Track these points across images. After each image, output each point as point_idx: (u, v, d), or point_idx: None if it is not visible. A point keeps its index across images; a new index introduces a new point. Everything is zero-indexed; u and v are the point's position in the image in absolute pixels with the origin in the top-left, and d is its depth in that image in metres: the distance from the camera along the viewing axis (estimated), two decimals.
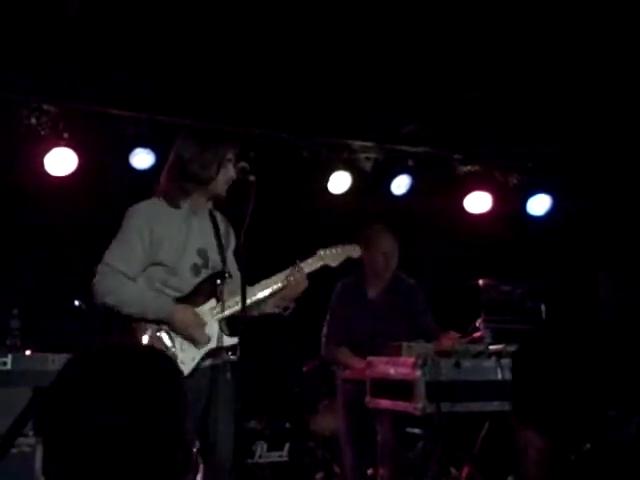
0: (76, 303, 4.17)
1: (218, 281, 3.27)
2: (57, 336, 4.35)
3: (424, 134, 6.47)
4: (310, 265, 3.47)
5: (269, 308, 3.44)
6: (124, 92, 5.43)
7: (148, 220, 3.21)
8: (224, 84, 5.36)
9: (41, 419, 1.36)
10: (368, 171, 6.58)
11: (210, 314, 3.23)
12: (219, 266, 3.29)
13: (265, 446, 5.69)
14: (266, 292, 3.35)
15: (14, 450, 3.87)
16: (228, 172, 3.30)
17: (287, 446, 5.86)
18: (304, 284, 3.40)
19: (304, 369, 6.12)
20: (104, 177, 5.80)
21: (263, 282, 3.37)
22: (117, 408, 1.33)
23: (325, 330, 4.82)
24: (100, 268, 3.17)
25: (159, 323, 3.14)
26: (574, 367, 1.43)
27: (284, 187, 5.97)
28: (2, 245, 5.57)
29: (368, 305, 4.79)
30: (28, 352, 3.81)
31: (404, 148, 6.61)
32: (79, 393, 1.35)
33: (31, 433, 4.16)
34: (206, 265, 3.28)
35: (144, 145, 5.71)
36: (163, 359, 1.47)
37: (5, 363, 3.42)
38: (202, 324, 3.19)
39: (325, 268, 3.54)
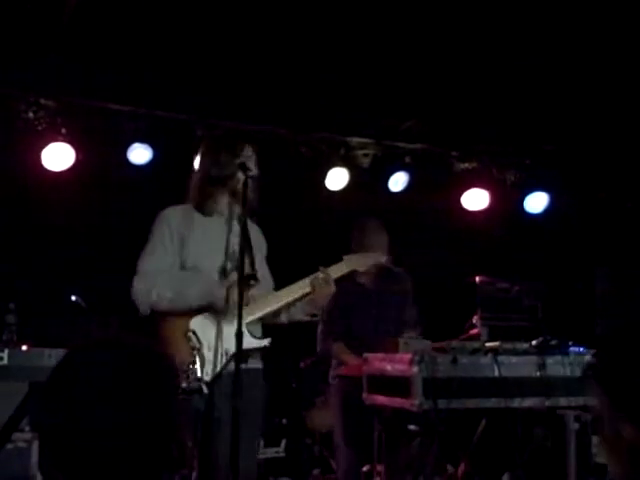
0: (73, 298, 4.17)
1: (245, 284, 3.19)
2: (54, 331, 4.36)
3: (422, 131, 6.47)
4: (337, 271, 3.41)
5: (298, 314, 3.42)
6: (122, 87, 5.42)
7: (172, 224, 3.26)
8: (222, 80, 5.35)
9: (37, 415, 1.36)
10: (366, 167, 6.58)
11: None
12: (248, 270, 3.23)
13: (262, 442, 5.70)
14: (290, 298, 3.31)
15: (10, 445, 3.87)
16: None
17: (284, 442, 5.87)
18: (331, 289, 3.32)
19: (301, 365, 6.13)
20: (102, 172, 5.79)
21: (288, 288, 3.35)
22: (112, 404, 1.33)
23: (321, 326, 4.82)
24: (135, 279, 3.20)
25: (201, 311, 3.15)
26: None
27: (282, 183, 5.96)
28: None
29: (362, 292, 4.82)
30: (24, 347, 3.80)
31: (402, 145, 6.61)
32: (74, 389, 1.35)
33: (27, 428, 4.17)
34: (236, 268, 3.21)
35: (142, 140, 5.70)
36: (158, 355, 1.47)
37: (2, 358, 3.41)
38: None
39: None
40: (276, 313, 3.37)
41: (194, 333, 3.14)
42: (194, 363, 3.06)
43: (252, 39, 4.93)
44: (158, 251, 3.23)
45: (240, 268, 3.02)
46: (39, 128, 5.43)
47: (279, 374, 6.32)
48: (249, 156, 3.34)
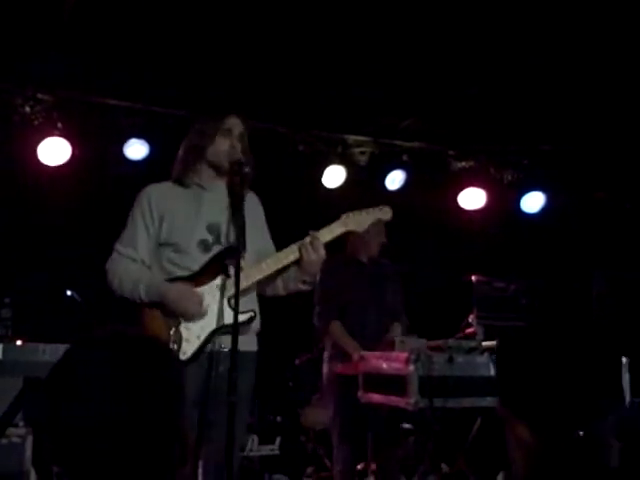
0: (68, 293, 4.16)
1: (229, 257, 3.10)
2: (49, 326, 4.35)
3: (419, 129, 6.46)
4: (331, 231, 3.25)
5: (292, 283, 3.25)
6: (119, 82, 5.41)
7: (150, 200, 3.20)
8: (220, 76, 5.34)
9: (38, 409, 1.35)
10: (363, 165, 6.57)
11: (218, 291, 3.11)
12: (234, 242, 3.11)
13: (256, 439, 5.69)
14: (278, 266, 3.16)
15: (4, 440, 3.86)
16: (227, 142, 3.22)
17: (278, 440, 5.86)
18: (320, 253, 3.14)
19: (296, 362, 6.12)
20: (98, 167, 5.78)
21: (275, 255, 3.21)
22: (114, 400, 1.32)
23: (317, 302, 4.76)
24: (111, 256, 3.19)
25: (154, 307, 3.08)
26: (561, 357, 1.44)
27: (279, 180, 5.95)
28: None
29: (360, 275, 4.81)
30: (19, 342, 3.78)
31: (399, 143, 6.60)
32: (76, 383, 1.33)
33: (21, 424, 4.16)
34: (218, 241, 3.17)
35: (138, 136, 5.68)
36: (162, 349, 1.46)
37: None
38: (198, 300, 3.07)
39: None
40: (268, 283, 3.27)
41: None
42: (173, 342, 3.02)
43: (251, 36, 4.92)
44: (138, 232, 3.18)
45: (237, 260, 2.98)
46: (35, 123, 5.41)
47: (274, 371, 6.32)
48: (234, 124, 3.27)
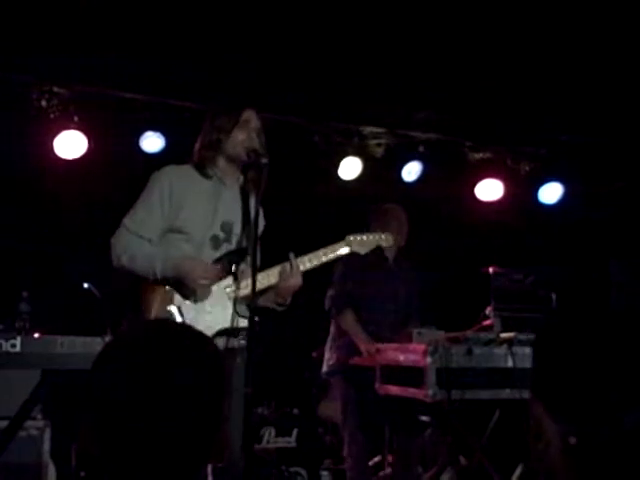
0: (85, 286, 4.17)
1: (238, 259, 3.14)
2: (66, 319, 4.36)
3: (435, 120, 6.43)
4: (333, 250, 3.27)
5: (268, 302, 3.26)
6: (135, 75, 5.40)
7: (171, 182, 3.18)
8: (236, 68, 5.32)
9: (83, 398, 1.35)
10: (379, 157, 6.55)
11: (225, 292, 3.12)
12: (243, 243, 3.16)
13: (273, 431, 5.70)
14: (261, 285, 3.12)
15: (22, 433, 3.88)
16: (245, 133, 3.23)
17: (295, 432, 5.86)
18: (297, 281, 3.15)
19: (313, 355, 6.12)
20: (114, 160, 5.78)
21: (264, 272, 3.18)
22: (158, 388, 1.32)
23: (332, 292, 4.76)
24: (118, 230, 3.18)
25: (168, 284, 3.08)
26: (601, 350, 1.41)
27: (295, 172, 5.94)
28: (12, 228, 5.57)
29: (385, 265, 4.83)
30: (37, 335, 3.79)
31: (415, 134, 6.57)
32: (119, 373, 1.34)
33: (39, 416, 4.18)
34: (228, 240, 3.18)
35: (154, 128, 5.69)
36: (206, 339, 1.46)
37: (14, 345, 3.39)
38: (208, 269, 3.08)
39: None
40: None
41: (179, 309, 3.10)
42: None
43: (266, 27, 4.90)
44: (153, 211, 3.16)
45: (253, 253, 2.98)
46: (52, 116, 5.42)
47: (291, 364, 6.32)
48: (251, 117, 3.27)
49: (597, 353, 1.38)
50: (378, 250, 4.68)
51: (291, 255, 3.15)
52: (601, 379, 1.37)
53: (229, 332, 3.06)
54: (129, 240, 3.15)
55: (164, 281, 3.09)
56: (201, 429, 1.35)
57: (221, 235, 3.18)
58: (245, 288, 3.08)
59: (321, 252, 3.24)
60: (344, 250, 3.30)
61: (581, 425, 1.36)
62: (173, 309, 3.09)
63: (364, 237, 3.38)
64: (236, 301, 3.08)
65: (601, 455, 1.35)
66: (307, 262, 3.21)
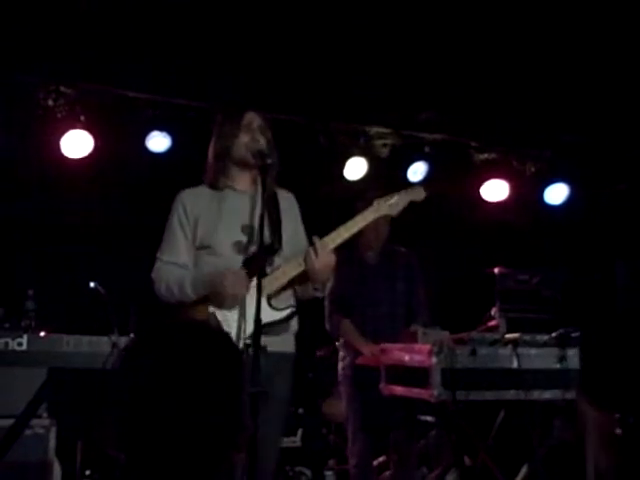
0: (91, 285, 4.18)
1: (264, 258, 3.08)
2: (72, 318, 4.37)
3: (441, 121, 6.42)
4: (364, 218, 3.22)
5: (308, 292, 3.24)
6: (141, 74, 5.41)
7: (184, 204, 3.24)
8: (240, 67, 5.33)
9: (115, 396, 1.37)
10: (384, 157, 6.54)
11: (255, 291, 3.00)
12: (268, 240, 3.12)
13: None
14: (288, 277, 3.15)
15: (28, 431, 3.88)
16: (249, 135, 3.24)
17: (300, 432, 5.87)
18: (325, 260, 3.09)
19: (318, 354, 6.12)
20: (120, 160, 5.79)
21: (289, 263, 3.18)
22: (180, 386, 1.34)
23: (327, 303, 4.77)
24: (155, 265, 3.23)
25: (204, 302, 3.09)
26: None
27: (299, 173, 5.93)
28: (18, 226, 5.59)
29: (366, 270, 4.80)
30: (43, 333, 3.81)
31: (421, 135, 6.56)
32: (143, 371, 1.37)
33: (45, 414, 4.18)
34: (252, 241, 3.16)
35: (161, 128, 5.69)
36: (225, 336, 1.48)
37: (21, 344, 3.42)
38: (241, 278, 3.06)
39: None
40: (296, 285, 3.25)
41: (214, 315, 3.09)
42: None
43: (271, 27, 4.91)
44: (178, 238, 3.22)
45: (260, 253, 2.98)
46: (58, 116, 5.44)
47: (295, 363, 6.31)
48: (253, 118, 3.29)
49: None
50: (355, 255, 4.69)
51: (315, 238, 3.12)
52: None
53: (264, 329, 2.94)
54: (162, 270, 3.21)
55: (203, 300, 3.11)
56: (226, 421, 1.37)
57: (244, 239, 3.18)
58: (273, 282, 3.09)
59: (350, 223, 3.21)
60: (373, 216, 3.25)
61: (625, 416, 1.39)
62: (210, 317, 3.09)
63: (393, 198, 3.31)
64: (269, 298, 3.06)
65: None
66: (337, 238, 3.18)
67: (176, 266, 3.20)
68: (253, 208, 3.22)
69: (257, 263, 3.02)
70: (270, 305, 3.05)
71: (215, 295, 3.07)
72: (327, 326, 4.85)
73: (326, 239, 3.15)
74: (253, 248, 3.14)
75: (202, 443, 1.34)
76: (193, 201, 3.26)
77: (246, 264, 3.13)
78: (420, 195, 3.42)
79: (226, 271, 3.09)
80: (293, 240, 3.30)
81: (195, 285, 3.11)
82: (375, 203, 3.28)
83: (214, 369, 1.38)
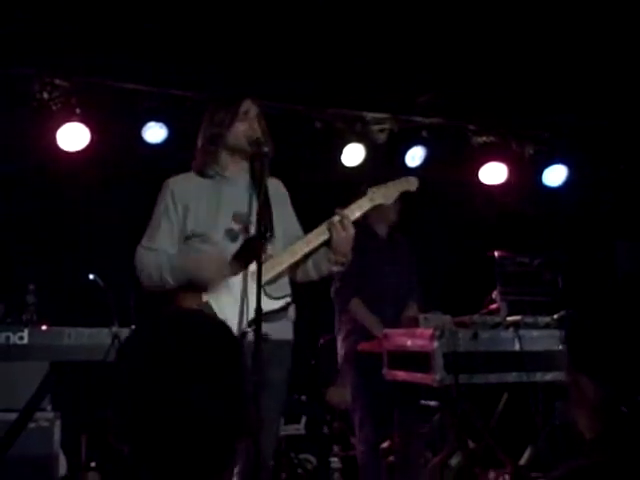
0: (90, 277, 4.17)
1: (258, 244, 3.03)
2: (72, 311, 4.37)
3: (438, 104, 6.40)
4: (360, 207, 3.22)
5: (325, 266, 3.21)
6: (136, 66, 5.39)
7: (172, 191, 3.21)
8: (237, 56, 5.31)
9: (112, 391, 1.37)
10: (382, 143, 6.52)
11: (252, 279, 3.03)
12: (262, 230, 3.08)
13: (282, 419, 5.70)
14: (308, 248, 3.13)
15: (32, 424, 3.90)
16: (246, 124, 3.23)
17: (304, 419, 5.88)
18: (350, 231, 3.09)
19: (321, 341, 6.12)
20: (117, 151, 5.78)
21: (305, 238, 3.17)
22: (184, 376, 1.34)
23: (338, 284, 4.72)
24: (136, 252, 3.20)
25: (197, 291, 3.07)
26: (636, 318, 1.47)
27: (297, 159, 5.92)
28: (16, 220, 5.58)
29: (380, 243, 4.80)
30: (44, 327, 3.81)
31: (418, 119, 6.54)
32: (144, 362, 1.37)
33: (49, 407, 4.20)
34: (246, 229, 3.15)
35: (157, 119, 5.67)
36: (222, 325, 1.48)
37: (22, 337, 3.42)
38: (217, 260, 3.05)
39: None
40: (299, 268, 3.24)
41: (208, 304, 3.07)
42: None
43: (265, 14, 4.88)
44: (161, 224, 3.19)
45: (259, 243, 2.97)
46: (54, 108, 5.41)
47: (298, 351, 6.32)
48: (250, 106, 3.27)
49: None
50: (368, 227, 4.67)
51: (337, 209, 3.11)
52: None
53: (261, 318, 2.93)
54: (142, 255, 3.18)
55: (184, 287, 3.09)
56: (228, 409, 1.37)
57: (236, 227, 3.16)
58: (273, 268, 3.08)
59: (346, 212, 3.18)
60: (368, 205, 3.25)
61: (628, 392, 1.40)
62: (204, 307, 3.06)
63: (386, 187, 3.32)
64: (265, 285, 3.01)
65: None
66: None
67: (155, 252, 3.16)
68: (245, 196, 3.21)
69: (253, 250, 3.00)
70: (265, 293, 2.98)
71: (196, 281, 3.06)
72: (333, 298, 4.78)
73: (348, 210, 3.15)
74: (245, 236, 3.13)
75: (206, 433, 1.33)
76: (182, 188, 3.23)
77: (240, 251, 3.12)
78: (413, 185, 3.45)
79: (200, 255, 3.08)
80: (285, 226, 3.28)
81: (173, 271, 3.08)
82: (369, 192, 3.28)
83: (214, 358, 1.38)
